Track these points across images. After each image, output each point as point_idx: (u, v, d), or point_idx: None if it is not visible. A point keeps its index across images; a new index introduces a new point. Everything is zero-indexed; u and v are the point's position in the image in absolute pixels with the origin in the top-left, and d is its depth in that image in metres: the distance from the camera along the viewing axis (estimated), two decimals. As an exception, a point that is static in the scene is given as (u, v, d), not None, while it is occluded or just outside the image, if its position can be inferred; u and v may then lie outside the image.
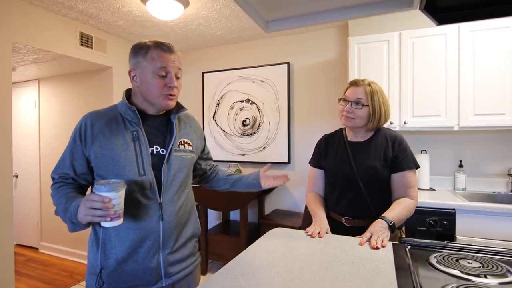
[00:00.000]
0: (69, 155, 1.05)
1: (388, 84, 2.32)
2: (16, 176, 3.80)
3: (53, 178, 1.09)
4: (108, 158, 1.01)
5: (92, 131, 1.03)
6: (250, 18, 0.90)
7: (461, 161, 2.37)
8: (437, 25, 0.94)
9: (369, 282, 0.83)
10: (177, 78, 1.07)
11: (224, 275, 0.88)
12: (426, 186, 2.36)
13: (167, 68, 1.03)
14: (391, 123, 2.30)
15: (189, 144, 1.16)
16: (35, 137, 3.65)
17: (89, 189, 1.15)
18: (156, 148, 1.08)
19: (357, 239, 1.18)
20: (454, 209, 1.91)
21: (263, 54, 3.20)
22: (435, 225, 1.94)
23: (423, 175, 2.36)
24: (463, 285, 0.80)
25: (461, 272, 0.90)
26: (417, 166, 1.36)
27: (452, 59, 2.14)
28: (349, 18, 0.89)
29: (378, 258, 1.00)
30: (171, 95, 1.05)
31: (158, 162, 1.06)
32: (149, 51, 1.02)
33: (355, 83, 1.39)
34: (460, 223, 1.90)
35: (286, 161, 3.07)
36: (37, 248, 3.69)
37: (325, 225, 1.31)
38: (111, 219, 0.88)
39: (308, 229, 1.28)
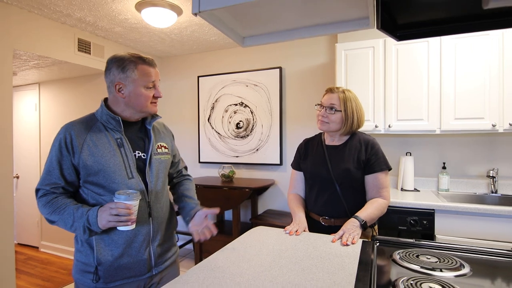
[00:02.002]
0: (57, 165, 1.09)
1: (374, 89, 2.41)
2: (17, 177, 3.91)
3: (40, 190, 1.11)
4: (98, 165, 1.10)
5: (78, 141, 1.10)
6: (226, 35, 0.99)
7: (444, 163, 2.46)
8: (397, 41, 1.03)
9: (331, 274, 0.93)
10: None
11: (202, 268, 0.98)
12: (411, 187, 2.45)
13: (154, 81, 1.17)
14: (376, 126, 2.39)
15: (165, 147, 1.28)
16: (36, 139, 3.76)
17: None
18: (138, 153, 1.19)
19: (330, 237, 1.27)
20: (433, 209, 2.00)
21: (256, 59, 3.30)
22: (415, 225, 2.02)
23: (407, 176, 2.45)
24: (414, 277, 0.89)
25: (420, 267, 0.99)
26: (389, 168, 1.45)
27: (434, 65, 2.23)
28: (315, 35, 0.98)
29: (345, 254, 1.09)
30: (155, 102, 1.20)
31: (141, 166, 1.18)
32: (137, 66, 1.12)
33: (330, 90, 1.48)
34: (439, 223, 1.99)
35: (278, 162, 3.16)
36: (37, 247, 3.79)
37: (303, 224, 1.40)
38: (131, 223, 1.03)
39: (287, 227, 1.37)
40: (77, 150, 1.09)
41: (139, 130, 1.24)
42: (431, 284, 0.85)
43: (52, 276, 3.00)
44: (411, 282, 0.86)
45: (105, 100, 1.21)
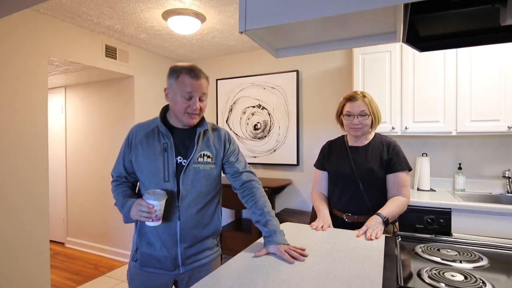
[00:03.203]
0: (121, 158, 1.32)
1: (390, 92, 2.48)
2: (44, 176, 4.10)
3: (112, 176, 1.36)
4: (141, 164, 1.24)
5: (135, 140, 1.28)
6: (261, 47, 1.10)
7: (460, 163, 2.51)
8: (420, 52, 1.13)
9: (360, 264, 1.03)
10: (201, 100, 1.24)
11: (243, 259, 1.09)
12: (427, 187, 2.51)
13: (192, 93, 1.20)
14: (393, 128, 2.46)
15: (208, 156, 1.29)
16: (62, 140, 3.95)
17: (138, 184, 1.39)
18: (180, 159, 1.25)
19: (354, 232, 1.36)
20: (450, 209, 2.07)
21: (273, 62, 3.40)
22: (432, 223, 2.10)
23: (423, 177, 2.52)
24: (436, 268, 0.98)
25: (441, 259, 1.08)
26: (410, 168, 1.54)
27: (450, 68, 2.29)
28: (343, 48, 1.08)
29: (371, 247, 1.19)
30: (193, 114, 1.23)
31: (180, 171, 1.23)
32: (180, 75, 1.20)
33: (353, 98, 1.56)
34: (456, 222, 2.06)
35: (295, 163, 3.26)
36: (63, 243, 3.98)
37: (328, 220, 1.50)
38: (152, 220, 1.14)
39: (313, 223, 1.47)
40: (133, 147, 1.27)
41: (188, 137, 1.28)
42: (453, 273, 0.94)
43: (80, 270, 3.17)
44: (434, 271, 0.95)
45: (166, 106, 1.33)
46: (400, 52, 2.44)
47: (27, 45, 2.38)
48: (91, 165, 3.71)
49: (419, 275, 0.95)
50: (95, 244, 3.70)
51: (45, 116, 2.51)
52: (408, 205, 2.12)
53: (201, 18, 2.51)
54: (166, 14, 2.44)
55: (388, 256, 1.10)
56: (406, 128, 2.43)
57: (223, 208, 3.47)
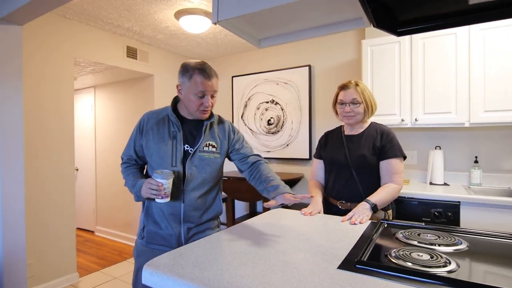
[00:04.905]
0: (132, 142, 1.40)
1: (400, 83, 2.43)
2: (77, 170, 4.46)
3: (122, 158, 1.45)
4: (151, 149, 1.33)
5: (146, 126, 1.36)
6: (243, 39, 1.17)
7: (476, 157, 2.40)
8: (397, 36, 1.14)
9: (332, 242, 1.06)
10: (212, 97, 1.33)
11: (224, 234, 1.16)
12: (440, 181, 2.43)
13: (205, 92, 1.28)
14: (402, 120, 2.41)
15: (213, 146, 1.39)
16: (92, 136, 4.27)
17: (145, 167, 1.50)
18: (187, 147, 1.35)
19: (341, 218, 1.39)
20: (459, 201, 2.00)
21: (286, 58, 3.44)
22: (439, 217, 2.04)
23: (436, 171, 2.44)
24: (406, 249, 0.99)
25: (418, 242, 1.08)
26: (403, 156, 1.53)
27: (462, 57, 2.21)
28: (319, 35, 1.12)
29: (350, 230, 1.22)
30: (205, 110, 1.33)
31: (186, 158, 1.34)
32: (193, 76, 1.26)
33: (345, 87, 1.59)
34: (465, 215, 1.98)
35: (307, 157, 3.28)
36: (93, 231, 4.30)
37: (318, 206, 1.54)
38: (162, 198, 1.24)
39: (303, 209, 1.52)
40: (144, 133, 1.35)
41: (196, 127, 1.38)
42: (420, 253, 0.95)
43: (106, 256, 3.42)
44: (402, 252, 0.97)
45: (176, 97, 1.42)
46: (409, 42, 2.39)
47: (55, 47, 2.63)
48: (117, 160, 3.98)
49: (386, 255, 0.97)
50: (121, 233, 3.97)
51: (71, 113, 2.76)
52: (415, 198, 2.11)
53: (211, 16, 2.62)
54: (178, 14, 2.58)
55: (363, 237, 1.12)
56: (416, 120, 2.37)
57: (237, 201, 3.59)
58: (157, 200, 1.26)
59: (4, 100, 1.96)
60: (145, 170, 1.49)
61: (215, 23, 1.03)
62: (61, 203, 2.69)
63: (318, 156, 1.77)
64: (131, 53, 3.25)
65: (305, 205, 2.87)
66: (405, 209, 2.14)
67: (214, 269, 0.84)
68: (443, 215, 2.03)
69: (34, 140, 2.50)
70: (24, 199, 2.05)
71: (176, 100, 1.42)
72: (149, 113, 1.41)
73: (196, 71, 1.26)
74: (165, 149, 1.32)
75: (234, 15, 1.00)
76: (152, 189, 1.22)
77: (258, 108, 3.62)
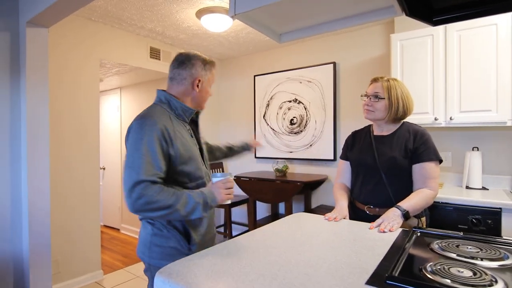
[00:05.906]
0: (158, 157, 1.07)
1: (433, 79, 2.27)
2: (104, 169, 4.58)
3: (144, 181, 1.03)
4: (188, 153, 1.18)
5: (172, 132, 1.13)
6: (263, 34, 1.10)
7: (520, 159, 2.20)
8: (433, 26, 1.02)
9: (359, 253, 0.97)
10: None
11: (242, 240, 1.10)
12: (478, 185, 2.24)
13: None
14: (436, 119, 2.25)
15: (202, 137, 1.40)
16: (118, 136, 4.37)
17: None
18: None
19: (368, 224, 1.29)
20: (500, 208, 1.82)
21: (309, 55, 3.34)
22: (478, 224, 1.87)
23: (474, 173, 2.25)
24: (444, 263, 0.88)
25: (456, 255, 0.97)
26: (439, 159, 1.40)
27: (504, 50, 2.01)
28: (346, 27, 1.03)
29: (379, 239, 1.11)
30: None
31: (203, 155, 1.31)
32: (212, 69, 1.29)
33: (375, 80, 1.50)
34: (508, 224, 1.80)
35: (332, 158, 3.15)
36: (118, 229, 4.40)
37: (343, 212, 1.44)
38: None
39: (326, 214, 1.42)
40: (174, 140, 1.13)
41: (191, 122, 1.32)
42: (460, 269, 0.84)
43: (130, 253, 3.48)
44: (439, 266, 0.86)
45: (165, 90, 1.27)
46: (444, 35, 2.22)
47: (81, 49, 2.69)
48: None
49: (420, 269, 0.87)
50: (145, 231, 4.02)
51: (97, 113, 2.81)
52: (450, 203, 1.95)
53: (232, 14, 2.58)
54: (199, 13, 2.56)
55: (394, 248, 1.02)
56: (451, 118, 2.20)
57: (259, 203, 3.53)
58: (229, 201, 1.20)
59: (31, 102, 2.01)
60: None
61: (232, 17, 0.97)
62: (87, 202, 2.75)
63: (345, 157, 1.67)
64: (155, 53, 3.27)
65: (329, 209, 2.75)
66: (440, 214, 1.99)
67: (229, 281, 0.78)
68: (482, 223, 1.86)
69: (60, 140, 2.57)
70: (50, 197, 2.10)
71: (166, 97, 1.24)
72: (159, 119, 1.13)
73: (214, 65, 1.30)
74: (195, 150, 1.23)
75: (252, 7, 0.93)
76: (230, 188, 1.17)
77: (281, 108, 3.54)
